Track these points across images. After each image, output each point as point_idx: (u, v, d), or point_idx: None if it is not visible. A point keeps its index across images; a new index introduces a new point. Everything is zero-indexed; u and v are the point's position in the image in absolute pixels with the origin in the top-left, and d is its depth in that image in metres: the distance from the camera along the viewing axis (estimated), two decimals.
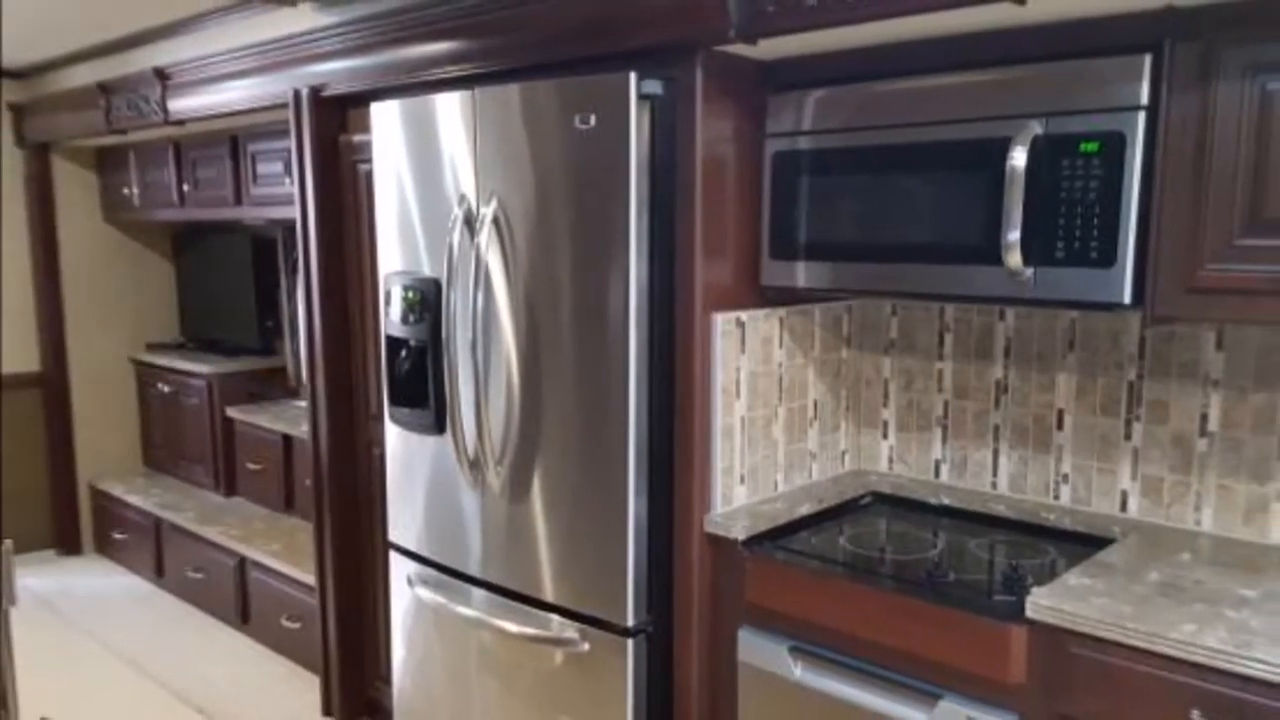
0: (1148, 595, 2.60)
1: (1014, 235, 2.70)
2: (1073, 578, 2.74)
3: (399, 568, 4.09)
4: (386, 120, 3.86)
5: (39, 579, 6.81)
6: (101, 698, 5.17)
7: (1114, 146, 2.59)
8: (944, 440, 3.70)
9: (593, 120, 3.12)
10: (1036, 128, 2.69)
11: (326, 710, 4.92)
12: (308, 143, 4.50)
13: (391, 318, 3.87)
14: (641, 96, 3.06)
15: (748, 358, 3.36)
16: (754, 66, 3.25)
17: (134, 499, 6.82)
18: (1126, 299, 2.61)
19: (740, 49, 3.09)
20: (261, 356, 6.81)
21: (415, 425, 3.87)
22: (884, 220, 3.04)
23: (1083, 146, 2.63)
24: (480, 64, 3.65)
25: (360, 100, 4.29)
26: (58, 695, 5.09)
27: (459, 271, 3.54)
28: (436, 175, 3.63)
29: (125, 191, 6.84)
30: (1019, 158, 2.67)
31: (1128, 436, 3.25)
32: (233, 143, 5.73)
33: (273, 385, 6.78)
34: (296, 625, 5.39)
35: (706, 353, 3.23)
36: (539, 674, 3.57)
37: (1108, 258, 2.61)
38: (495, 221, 3.43)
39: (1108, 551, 2.97)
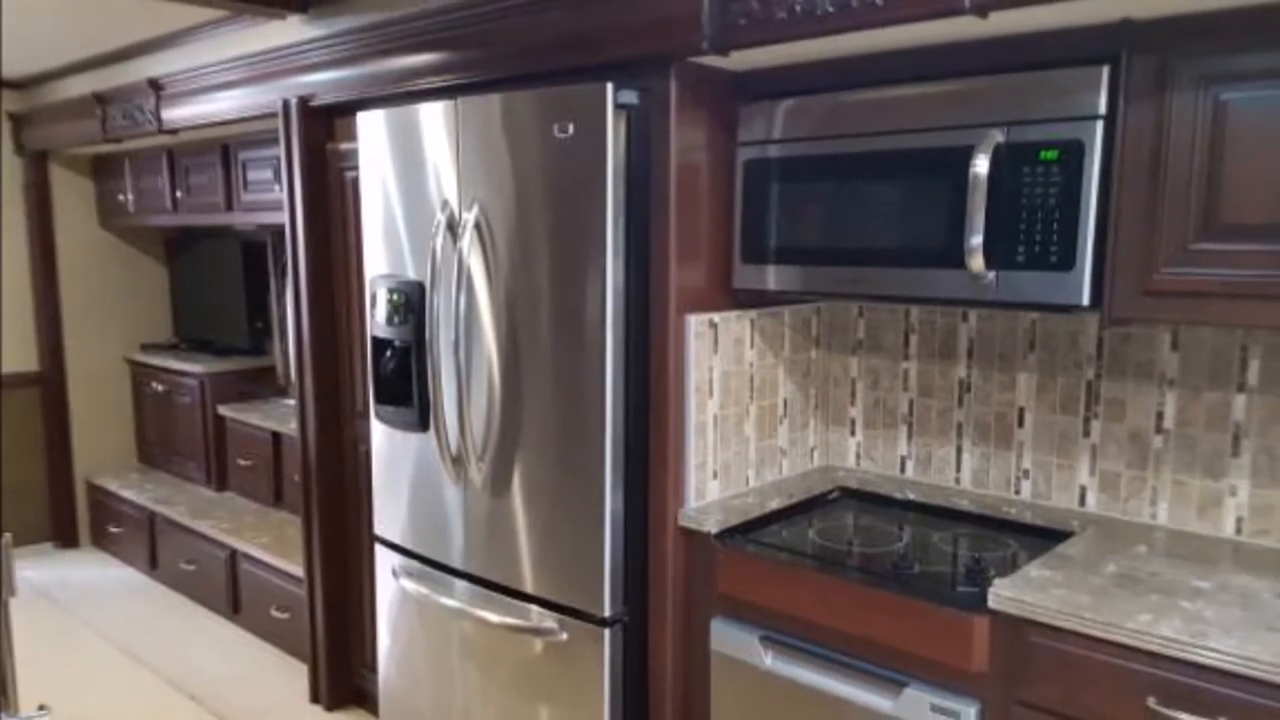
0: (1105, 586, 2.58)
1: (976, 240, 2.68)
2: (1033, 570, 2.72)
3: (384, 560, 4.06)
4: (372, 129, 3.82)
5: (37, 571, 6.76)
6: (97, 684, 5.12)
7: (1073, 154, 2.57)
8: (909, 437, 3.68)
9: (571, 129, 3.10)
10: (998, 136, 2.67)
11: (314, 697, 4.88)
12: (296, 151, 4.46)
13: (377, 319, 3.84)
14: (618, 106, 3.03)
15: (720, 358, 3.33)
16: (726, 77, 3.22)
17: (129, 494, 6.77)
18: (1085, 301, 2.59)
19: (713, 60, 3.06)
20: (252, 356, 6.77)
21: (400, 423, 3.84)
22: (851, 226, 3.02)
23: (1043, 154, 2.61)
24: (462, 75, 3.62)
25: (347, 110, 4.26)
26: (56, 682, 5.06)
27: (442, 275, 3.51)
28: (420, 182, 3.60)
29: (120, 198, 6.79)
30: (981, 165, 2.66)
31: (1086, 434, 3.23)
32: (224, 151, 5.68)
33: (262, 384, 6.74)
34: (285, 615, 5.34)
35: (680, 353, 3.20)
36: (519, 662, 3.54)
37: (1067, 261, 2.59)
38: (477, 226, 3.40)
39: (1067, 544, 2.96)
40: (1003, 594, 2.56)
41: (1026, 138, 2.64)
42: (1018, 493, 3.41)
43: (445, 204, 3.50)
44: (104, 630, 5.81)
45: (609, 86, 3.00)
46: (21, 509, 7.04)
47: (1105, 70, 2.53)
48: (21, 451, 7.02)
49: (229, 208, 5.75)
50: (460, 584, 3.70)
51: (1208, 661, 2.23)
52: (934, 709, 2.70)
